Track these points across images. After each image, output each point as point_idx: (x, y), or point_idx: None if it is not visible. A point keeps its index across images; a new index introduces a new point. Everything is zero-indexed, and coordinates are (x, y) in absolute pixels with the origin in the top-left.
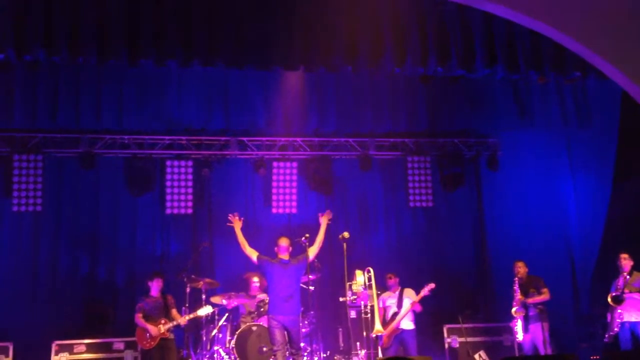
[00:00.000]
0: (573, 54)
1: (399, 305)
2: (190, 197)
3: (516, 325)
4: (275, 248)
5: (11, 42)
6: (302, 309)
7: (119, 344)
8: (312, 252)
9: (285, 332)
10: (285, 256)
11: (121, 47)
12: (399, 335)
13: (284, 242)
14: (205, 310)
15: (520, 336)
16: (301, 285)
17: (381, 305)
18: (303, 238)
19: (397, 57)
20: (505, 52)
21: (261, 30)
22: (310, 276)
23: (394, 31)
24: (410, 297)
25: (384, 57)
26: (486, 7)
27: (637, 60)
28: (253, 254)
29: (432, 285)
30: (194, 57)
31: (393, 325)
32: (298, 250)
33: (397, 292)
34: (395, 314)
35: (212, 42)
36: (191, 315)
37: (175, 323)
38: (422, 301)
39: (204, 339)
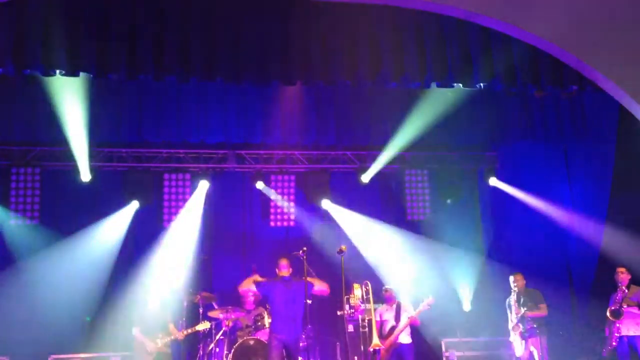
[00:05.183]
0: (570, 68)
1: (397, 319)
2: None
3: (514, 341)
4: (276, 268)
5: (10, 56)
6: (304, 327)
7: (115, 358)
8: (317, 285)
9: (284, 350)
10: (285, 273)
11: (120, 62)
12: (397, 349)
13: (284, 261)
14: (203, 326)
15: (518, 351)
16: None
17: (378, 319)
18: (300, 252)
19: (395, 71)
20: (502, 66)
21: (259, 45)
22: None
23: (392, 45)
24: (408, 312)
25: (382, 71)
26: (483, 21)
27: (634, 75)
28: (250, 285)
29: (431, 300)
30: (193, 73)
31: (391, 339)
32: (297, 263)
33: (394, 306)
34: (393, 328)
35: (210, 58)
36: (189, 330)
37: (172, 337)
38: (420, 315)
39: (201, 353)
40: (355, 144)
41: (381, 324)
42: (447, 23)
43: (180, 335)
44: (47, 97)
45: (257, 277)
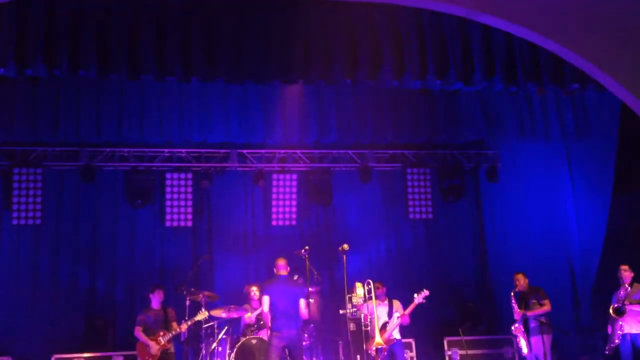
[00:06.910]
0: (571, 66)
1: (390, 314)
2: (190, 209)
3: (520, 342)
4: (274, 269)
5: (11, 56)
6: (305, 325)
7: (118, 357)
8: (302, 308)
9: (286, 351)
10: (284, 272)
11: (121, 63)
12: (390, 345)
13: (282, 261)
14: (202, 315)
15: (524, 349)
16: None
17: (367, 313)
18: (302, 250)
19: (396, 70)
20: (503, 64)
21: (260, 45)
22: (310, 289)
23: (393, 44)
24: (398, 310)
25: (383, 70)
26: (485, 20)
27: (636, 73)
28: (262, 297)
29: (425, 292)
30: (193, 73)
31: (385, 336)
32: (298, 262)
33: (387, 302)
34: (385, 324)
35: (211, 58)
36: (189, 322)
37: (175, 332)
38: (420, 311)
39: (204, 352)
40: (357, 143)
41: (371, 320)
42: (448, 22)
43: (183, 327)
44: (48, 97)
45: (256, 291)
